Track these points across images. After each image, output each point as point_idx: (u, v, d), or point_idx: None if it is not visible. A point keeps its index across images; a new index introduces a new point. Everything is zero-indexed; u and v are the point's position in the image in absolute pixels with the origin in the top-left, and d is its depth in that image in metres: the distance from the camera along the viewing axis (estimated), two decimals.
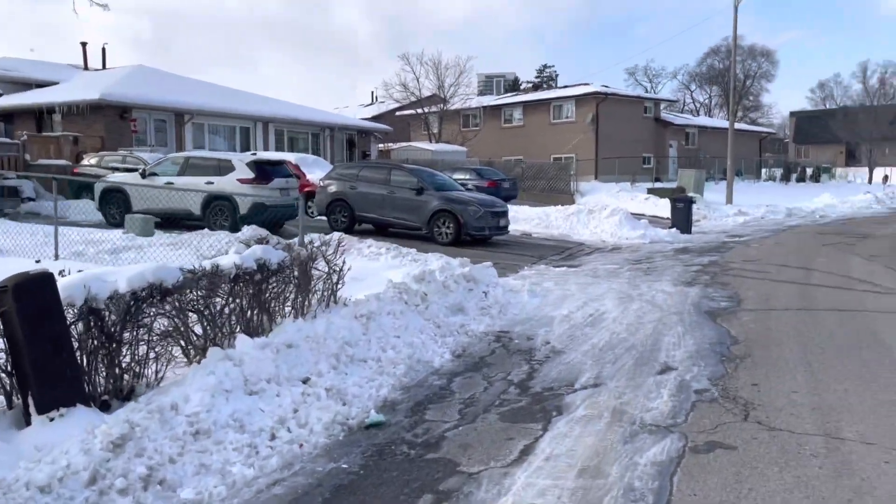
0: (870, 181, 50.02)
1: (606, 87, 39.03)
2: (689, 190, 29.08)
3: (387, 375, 5.96)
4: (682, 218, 20.13)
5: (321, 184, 16.80)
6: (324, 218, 16.60)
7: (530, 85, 45.75)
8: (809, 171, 48.34)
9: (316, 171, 20.08)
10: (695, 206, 24.97)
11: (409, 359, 6.36)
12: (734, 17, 28.39)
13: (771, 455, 4.33)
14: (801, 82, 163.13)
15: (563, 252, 15.88)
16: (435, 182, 16.27)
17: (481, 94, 47.50)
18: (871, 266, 12.86)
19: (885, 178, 50.68)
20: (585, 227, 19.07)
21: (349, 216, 16.01)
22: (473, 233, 15.47)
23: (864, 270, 12.30)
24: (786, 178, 44.76)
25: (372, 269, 8.97)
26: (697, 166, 36.21)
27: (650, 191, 29.96)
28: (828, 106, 75.32)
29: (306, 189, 18.55)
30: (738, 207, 27.00)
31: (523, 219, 20.18)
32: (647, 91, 64.09)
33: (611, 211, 19.22)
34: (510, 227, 19.12)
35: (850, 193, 35.52)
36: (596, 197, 29.73)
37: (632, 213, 24.20)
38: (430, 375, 6.19)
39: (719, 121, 51.84)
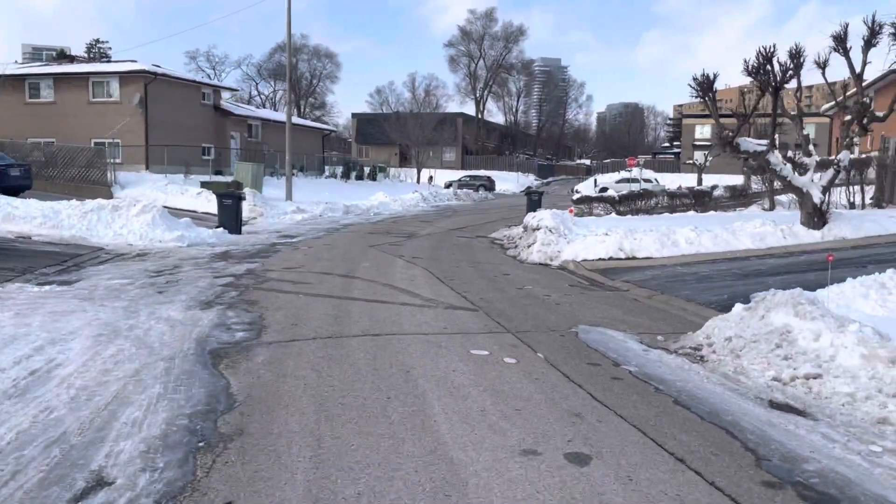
0: (418, 181, 55.03)
1: (158, 66, 34.77)
2: (248, 185, 27.12)
3: None
4: (230, 216, 17.87)
5: None
6: None
7: (68, 59, 38.67)
8: (368, 169, 50.94)
9: None
10: (251, 203, 23.04)
11: None
12: (288, 6, 27.23)
13: None
14: (362, 86, 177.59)
15: (67, 261, 12.23)
16: None
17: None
18: (413, 270, 12.24)
19: (430, 178, 56.36)
20: (109, 228, 15.47)
21: None
22: None
23: (406, 276, 11.53)
24: (346, 175, 46.19)
25: None
26: (260, 160, 34.59)
27: (205, 184, 27.17)
28: (384, 110, 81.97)
29: None
30: (297, 204, 25.94)
31: (23, 217, 15.62)
32: (210, 78, 60.73)
33: (142, 208, 15.94)
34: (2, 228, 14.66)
35: (401, 192, 37.79)
36: (140, 190, 25.78)
37: (178, 210, 21.17)
38: None
39: (283, 115, 51.39)
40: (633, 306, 9.65)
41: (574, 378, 5.95)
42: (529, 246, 14.70)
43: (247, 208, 21.79)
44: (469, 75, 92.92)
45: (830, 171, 13.83)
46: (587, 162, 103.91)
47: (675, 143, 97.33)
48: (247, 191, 23.93)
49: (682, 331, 8.08)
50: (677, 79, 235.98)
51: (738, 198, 22.22)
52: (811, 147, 14.15)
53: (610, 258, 13.33)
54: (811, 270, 11.37)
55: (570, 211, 17.51)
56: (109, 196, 22.17)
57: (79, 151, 27.20)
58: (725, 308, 9.34)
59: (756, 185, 22.36)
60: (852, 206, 18.69)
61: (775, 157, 13.69)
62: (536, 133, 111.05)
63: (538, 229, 15.11)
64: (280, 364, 6.13)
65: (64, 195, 21.06)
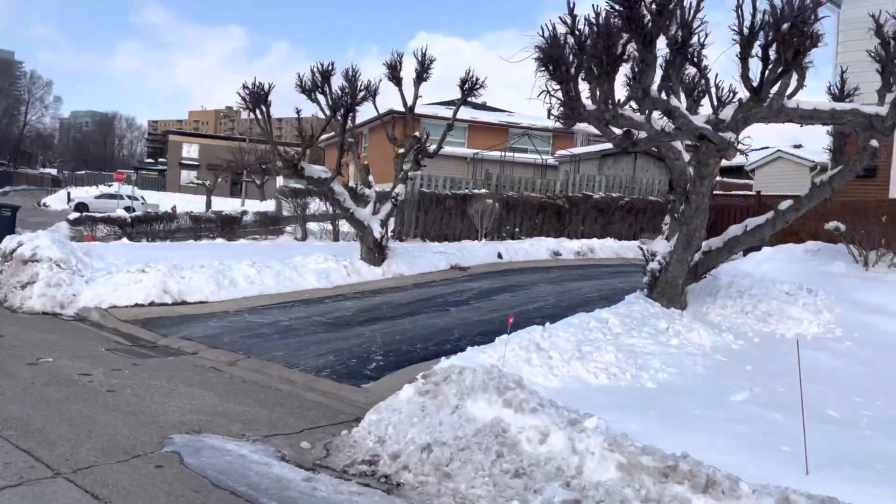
0: None
1: None
2: None
3: None
4: None
5: None
6: None
7: None
8: None
9: None
10: None
11: None
12: None
13: None
14: None
15: None
16: None
17: None
18: None
19: None
20: None
21: None
22: None
23: None
24: None
25: None
26: None
27: None
28: None
29: None
30: None
31: None
32: None
33: None
34: None
35: None
36: None
37: None
38: None
39: None
40: (222, 384, 6.86)
41: None
42: (24, 286, 10.28)
43: None
44: None
45: (388, 205, 13.22)
46: (54, 172, 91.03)
47: (159, 159, 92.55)
48: None
49: (318, 423, 5.78)
50: (156, 93, 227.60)
51: (269, 225, 20.72)
52: (371, 178, 13.34)
53: (152, 303, 10.07)
54: (398, 316, 10.24)
55: (88, 238, 13.27)
56: None
57: None
58: (342, 375, 7.35)
59: (287, 211, 21.25)
60: None
61: (339, 187, 12.42)
62: None
63: (36, 261, 10.75)
64: None
65: None
